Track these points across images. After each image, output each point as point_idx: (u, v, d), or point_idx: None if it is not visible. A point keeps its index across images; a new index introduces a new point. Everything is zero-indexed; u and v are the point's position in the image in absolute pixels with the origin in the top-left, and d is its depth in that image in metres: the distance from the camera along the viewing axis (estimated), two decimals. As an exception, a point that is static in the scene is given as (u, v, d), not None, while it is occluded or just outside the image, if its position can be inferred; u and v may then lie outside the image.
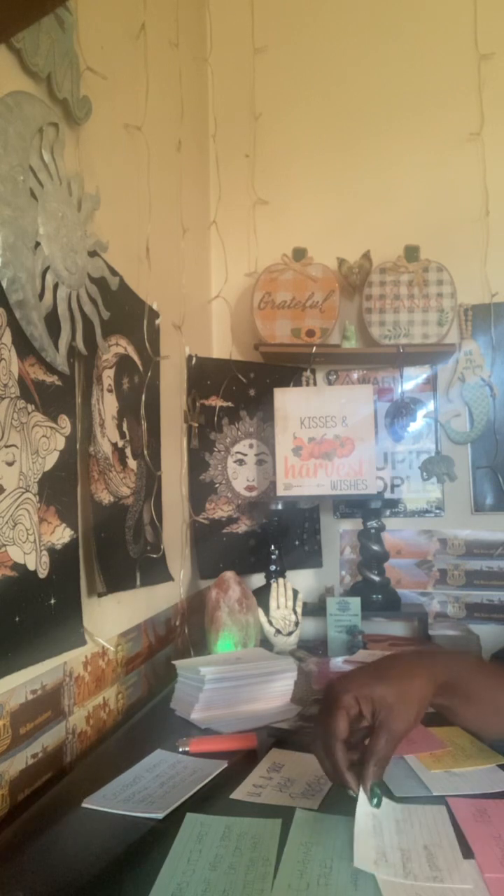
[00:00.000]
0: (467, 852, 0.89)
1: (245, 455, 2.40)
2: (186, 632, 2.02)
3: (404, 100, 2.48)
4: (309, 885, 0.82)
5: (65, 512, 1.27)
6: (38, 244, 1.18)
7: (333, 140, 2.53)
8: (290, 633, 1.96)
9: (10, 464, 1.09)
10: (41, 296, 1.19)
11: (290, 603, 2.00)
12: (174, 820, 0.98)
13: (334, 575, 2.46)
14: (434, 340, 2.31)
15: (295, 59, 2.55)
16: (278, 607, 1.99)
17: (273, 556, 2.23)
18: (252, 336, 2.41)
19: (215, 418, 2.34)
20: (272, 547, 2.25)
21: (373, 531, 2.20)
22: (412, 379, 2.45)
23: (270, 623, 1.95)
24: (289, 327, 2.34)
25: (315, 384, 2.49)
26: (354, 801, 0.92)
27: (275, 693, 1.52)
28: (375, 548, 2.20)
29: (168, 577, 1.86)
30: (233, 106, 2.58)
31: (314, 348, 2.31)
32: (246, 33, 2.55)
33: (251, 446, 2.42)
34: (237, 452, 2.39)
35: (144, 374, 1.74)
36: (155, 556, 1.76)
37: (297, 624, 1.98)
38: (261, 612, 1.92)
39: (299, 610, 2.00)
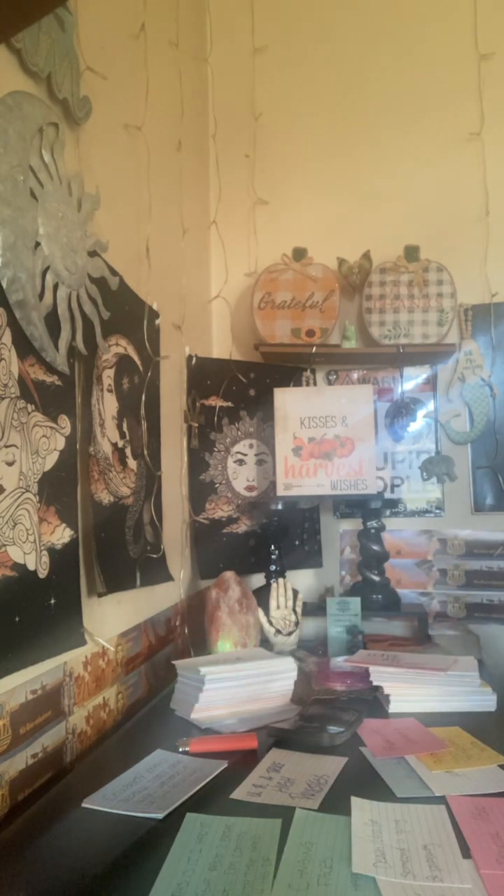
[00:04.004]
0: (467, 852, 0.89)
1: (245, 455, 2.40)
2: (186, 632, 2.02)
3: (404, 100, 2.48)
4: (309, 885, 0.82)
5: (65, 512, 1.27)
6: (38, 244, 1.18)
7: (333, 140, 2.53)
8: (290, 633, 1.96)
9: (10, 464, 1.09)
10: (41, 296, 1.19)
11: (290, 603, 2.00)
12: (174, 820, 0.98)
13: (334, 575, 2.46)
14: (434, 340, 2.31)
15: (295, 59, 2.55)
16: (278, 607, 1.99)
17: (273, 556, 2.23)
18: (252, 336, 2.41)
19: (215, 418, 2.34)
20: (272, 547, 2.24)
21: (373, 531, 2.20)
22: (412, 379, 2.45)
23: (270, 623, 1.95)
24: (289, 327, 2.34)
25: (315, 384, 2.49)
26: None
27: (275, 693, 1.52)
28: (375, 548, 2.20)
29: (168, 577, 1.86)
30: (233, 106, 2.58)
31: (314, 348, 2.31)
32: (246, 33, 2.55)
33: (251, 446, 2.42)
34: (237, 452, 2.39)
35: (144, 374, 1.74)
36: (155, 556, 1.76)
37: (297, 624, 1.98)
38: (261, 612, 1.92)
39: (299, 610, 2.00)
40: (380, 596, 2.17)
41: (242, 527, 2.38)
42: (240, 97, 2.57)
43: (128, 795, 1.07)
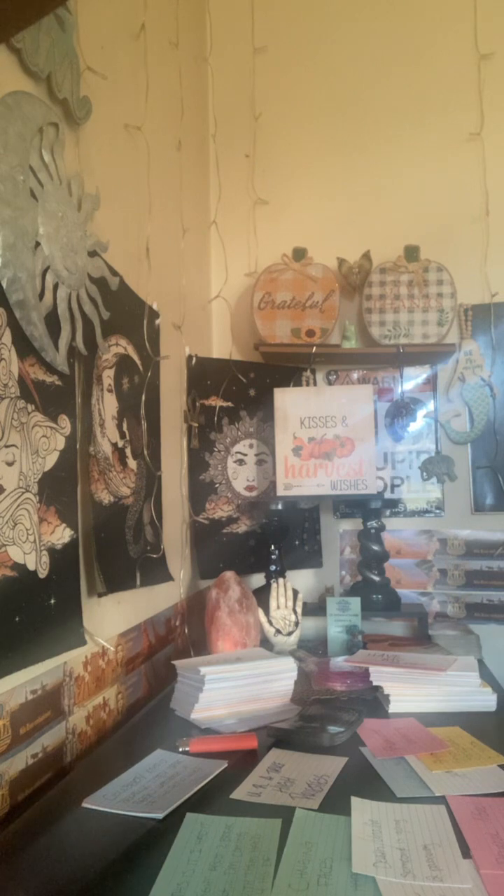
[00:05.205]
0: (467, 852, 0.89)
1: (245, 455, 2.40)
2: (186, 632, 2.02)
3: (404, 99, 2.48)
4: (309, 885, 0.82)
5: (65, 512, 1.27)
6: (38, 244, 1.18)
7: (333, 140, 2.53)
8: (290, 633, 1.96)
9: (10, 464, 1.09)
10: (41, 296, 1.18)
11: (290, 603, 2.00)
12: (174, 820, 0.98)
13: (334, 575, 2.46)
14: (434, 340, 2.31)
15: (295, 59, 2.55)
16: (278, 607, 1.99)
17: (273, 556, 2.23)
18: (252, 336, 2.41)
19: (215, 418, 2.34)
20: (272, 547, 2.24)
21: (373, 531, 2.20)
22: (412, 379, 2.45)
23: (270, 623, 1.95)
24: (289, 327, 2.34)
25: (315, 384, 2.49)
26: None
27: (275, 693, 1.52)
28: (375, 548, 2.20)
29: (168, 577, 1.86)
30: (233, 106, 2.58)
31: (314, 348, 2.31)
32: (246, 33, 2.55)
33: (251, 446, 2.42)
34: (237, 452, 2.39)
35: (144, 374, 1.74)
36: (155, 556, 1.76)
37: (297, 624, 1.98)
38: (261, 612, 1.92)
39: (299, 610, 2.00)
40: (380, 596, 2.17)
41: (242, 527, 2.38)
42: (240, 97, 2.57)
43: (128, 795, 1.07)
